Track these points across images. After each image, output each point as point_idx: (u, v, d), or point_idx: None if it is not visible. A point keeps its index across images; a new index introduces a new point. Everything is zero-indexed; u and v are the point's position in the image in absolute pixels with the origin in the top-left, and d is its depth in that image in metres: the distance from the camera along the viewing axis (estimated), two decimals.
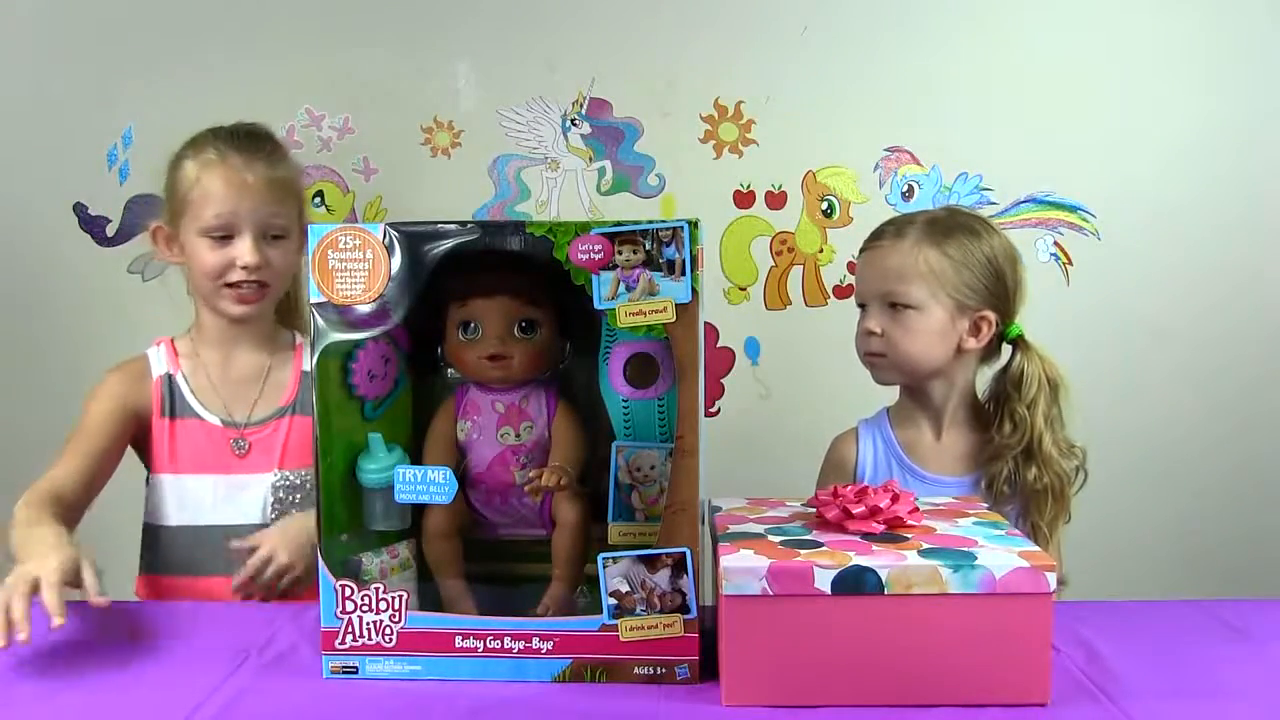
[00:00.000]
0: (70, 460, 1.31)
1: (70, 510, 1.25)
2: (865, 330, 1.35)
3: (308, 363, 1.33)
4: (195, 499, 1.37)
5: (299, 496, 1.39)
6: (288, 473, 1.39)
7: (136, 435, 1.39)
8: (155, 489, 1.38)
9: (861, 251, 1.40)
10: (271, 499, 1.37)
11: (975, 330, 1.34)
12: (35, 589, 1.00)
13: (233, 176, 1.35)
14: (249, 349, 1.43)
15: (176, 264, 1.42)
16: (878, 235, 1.38)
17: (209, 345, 1.42)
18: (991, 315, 1.33)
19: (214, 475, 1.38)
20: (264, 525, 1.35)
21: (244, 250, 1.34)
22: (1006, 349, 1.38)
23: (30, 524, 1.16)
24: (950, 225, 1.35)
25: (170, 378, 1.40)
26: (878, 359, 1.35)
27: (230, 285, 1.36)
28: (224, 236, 1.35)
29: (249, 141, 1.39)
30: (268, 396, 1.42)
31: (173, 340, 1.44)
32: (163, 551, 1.38)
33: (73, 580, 1.03)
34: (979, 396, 1.40)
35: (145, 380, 1.40)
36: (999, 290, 1.34)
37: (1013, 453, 1.32)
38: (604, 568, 0.95)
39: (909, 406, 1.41)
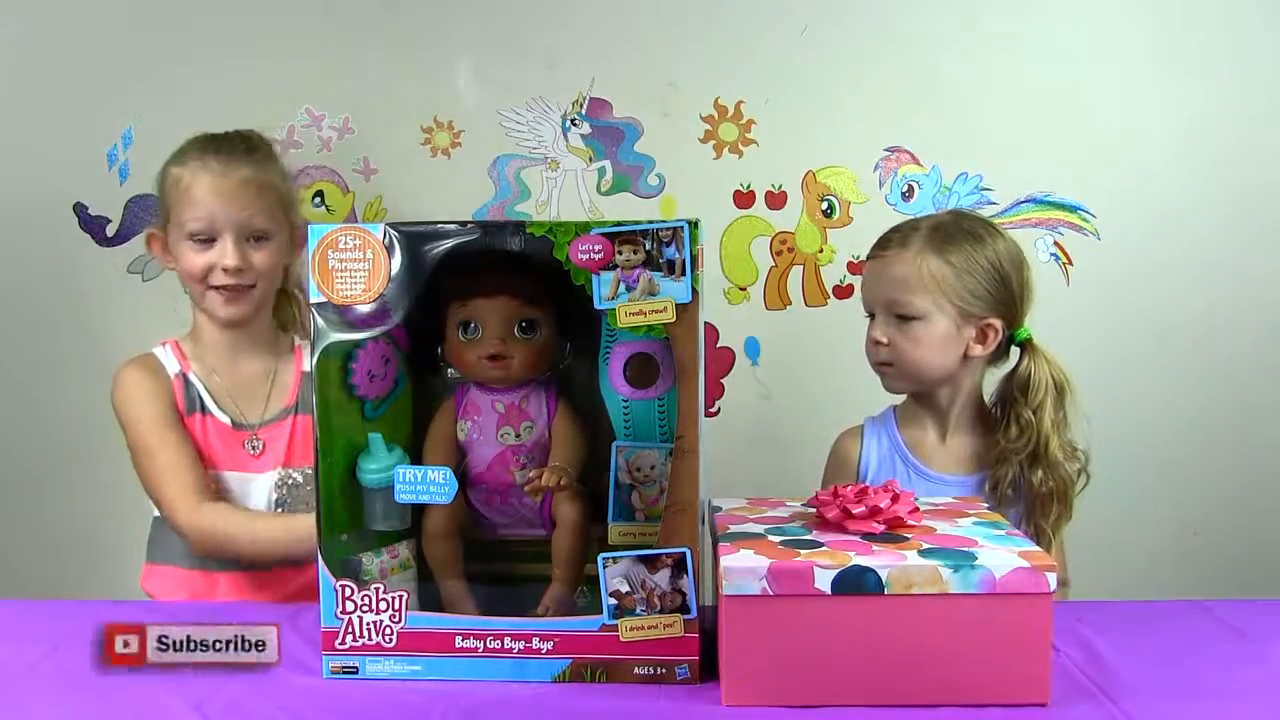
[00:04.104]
0: (184, 464, 1.38)
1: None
2: (872, 340, 1.36)
3: (308, 363, 1.37)
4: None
5: (301, 493, 1.43)
6: (291, 470, 1.43)
7: None
8: None
9: (868, 259, 1.40)
10: (275, 495, 1.42)
11: (981, 338, 1.34)
12: None
13: (213, 181, 1.39)
14: (251, 354, 1.48)
15: (171, 269, 1.48)
16: (883, 244, 1.38)
17: (211, 350, 1.47)
18: (997, 322, 1.33)
19: (225, 471, 1.42)
20: None
21: (225, 252, 1.39)
22: (1014, 351, 1.37)
23: (258, 517, 1.38)
24: (954, 231, 1.34)
25: (185, 376, 1.44)
26: (886, 368, 1.36)
27: (215, 288, 1.41)
28: (207, 240, 1.40)
29: (229, 144, 1.44)
30: (275, 397, 1.47)
31: (177, 342, 1.48)
32: (173, 543, 1.40)
33: None
34: (985, 398, 1.40)
35: (163, 376, 1.44)
36: (1004, 296, 1.34)
37: (1018, 456, 1.32)
38: (604, 568, 0.95)
39: (915, 408, 1.41)
